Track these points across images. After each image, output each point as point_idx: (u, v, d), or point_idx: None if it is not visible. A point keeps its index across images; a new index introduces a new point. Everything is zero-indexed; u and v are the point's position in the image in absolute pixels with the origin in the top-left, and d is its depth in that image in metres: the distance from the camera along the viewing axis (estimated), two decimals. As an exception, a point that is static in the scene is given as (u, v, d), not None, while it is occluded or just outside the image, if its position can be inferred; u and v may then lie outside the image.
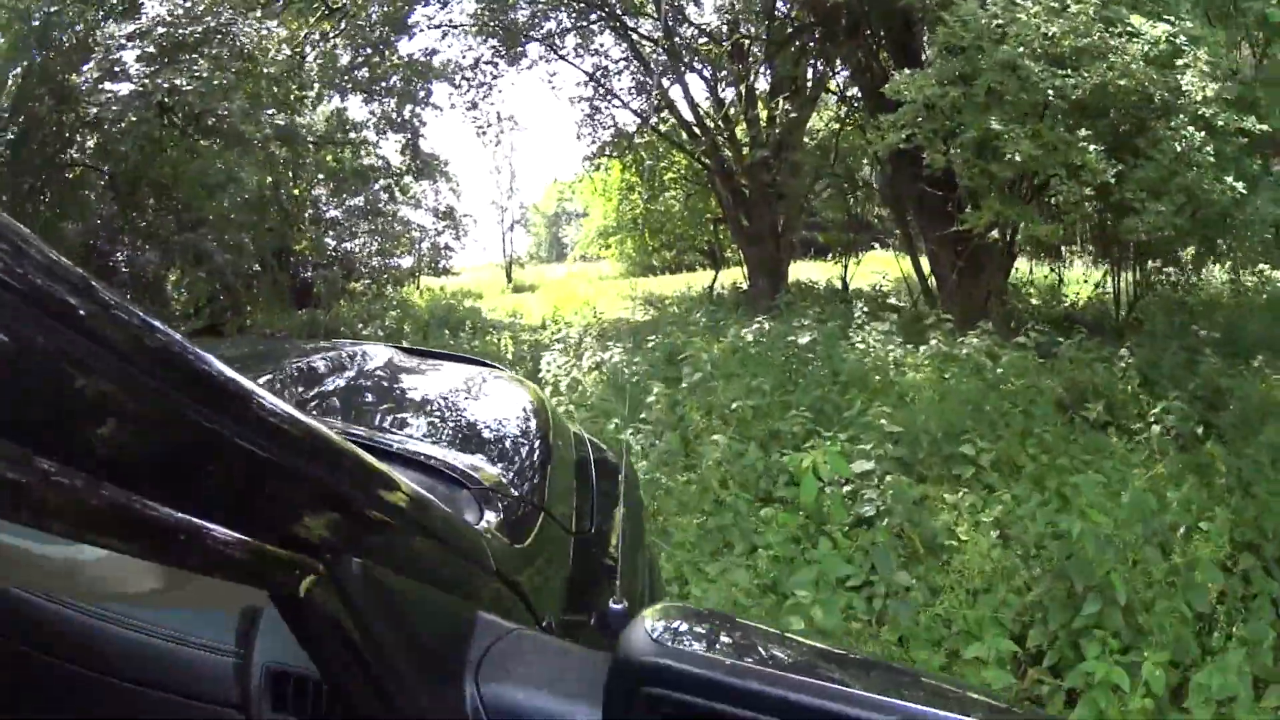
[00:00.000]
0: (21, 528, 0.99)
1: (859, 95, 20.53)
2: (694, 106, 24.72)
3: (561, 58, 25.92)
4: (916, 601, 6.64)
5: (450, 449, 2.91)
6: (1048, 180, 12.86)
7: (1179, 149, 12.43)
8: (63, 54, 18.12)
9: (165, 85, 17.91)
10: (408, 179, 29.37)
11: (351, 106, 26.61)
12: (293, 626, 1.21)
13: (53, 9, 17.64)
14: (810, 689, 1.23)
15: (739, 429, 9.86)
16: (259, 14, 20.82)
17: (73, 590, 1.76)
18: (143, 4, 19.04)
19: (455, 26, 24.95)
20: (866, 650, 5.96)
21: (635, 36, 25.42)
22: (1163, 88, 12.62)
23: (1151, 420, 9.95)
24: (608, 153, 27.54)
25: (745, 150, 23.83)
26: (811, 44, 21.71)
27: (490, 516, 2.35)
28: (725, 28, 24.23)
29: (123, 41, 18.35)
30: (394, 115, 25.80)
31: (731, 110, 24.59)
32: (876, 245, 26.20)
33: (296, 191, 28.05)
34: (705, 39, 24.88)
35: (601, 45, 26.36)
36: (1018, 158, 12.41)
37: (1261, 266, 17.67)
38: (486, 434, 3.51)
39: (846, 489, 7.89)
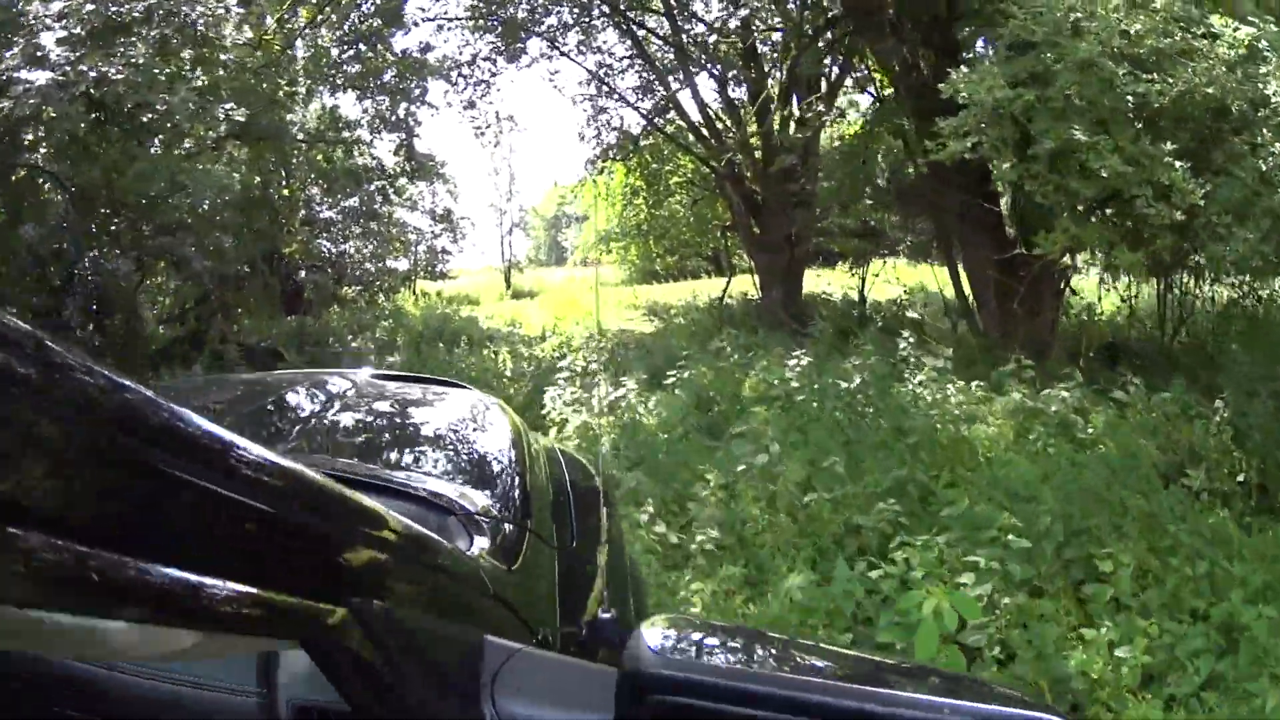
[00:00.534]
0: None
1: (891, 94, 18.63)
2: (703, 108, 23.39)
3: (564, 54, 24.63)
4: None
5: (434, 476, 3.02)
6: (1130, 200, 10.82)
7: (1263, 168, 10.62)
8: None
9: (92, 74, 15.30)
10: (402, 180, 27.80)
11: (344, 104, 25.32)
12: (323, 668, 1.24)
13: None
14: (813, 686, 1.34)
15: (808, 522, 8.02)
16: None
17: (97, 655, 1.68)
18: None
19: (451, 20, 23.75)
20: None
21: (641, 33, 24.23)
22: (1242, 97, 10.87)
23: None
24: (611, 155, 26.17)
25: (758, 154, 22.22)
26: (837, 38, 19.77)
27: (480, 541, 2.41)
28: (737, 23, 22.62)
29: (47, 22, 15.65)
30: (388, 114, 24.48)
31: (743, 112, 23.13)
32: (888, 254, 24.22)
33: (287, 192, 26.63)
34: (715, 36, 23.50)
35: (605, 42, 25.20)
36: (1104, 173, 10.47)
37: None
38: (465, 458, 3.59)
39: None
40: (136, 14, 16.14)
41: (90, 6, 15.66)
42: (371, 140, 26.20)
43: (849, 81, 22.86)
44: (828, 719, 1.24)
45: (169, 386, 6.50)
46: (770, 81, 22.44)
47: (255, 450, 0.98)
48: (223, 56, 18.98)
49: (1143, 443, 9.15)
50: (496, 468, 3.38)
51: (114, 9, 15.93)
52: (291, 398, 3.91)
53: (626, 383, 12.67)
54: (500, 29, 23.35)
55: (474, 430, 3.90)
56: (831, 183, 20.95)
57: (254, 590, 0.96)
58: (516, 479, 3.22)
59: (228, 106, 17.85)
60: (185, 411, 0.89)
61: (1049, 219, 11.98)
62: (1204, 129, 11.37)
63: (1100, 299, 17.04)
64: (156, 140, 17.06)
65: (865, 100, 23.33)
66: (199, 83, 17.46)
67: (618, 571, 3.59)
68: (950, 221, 16.53)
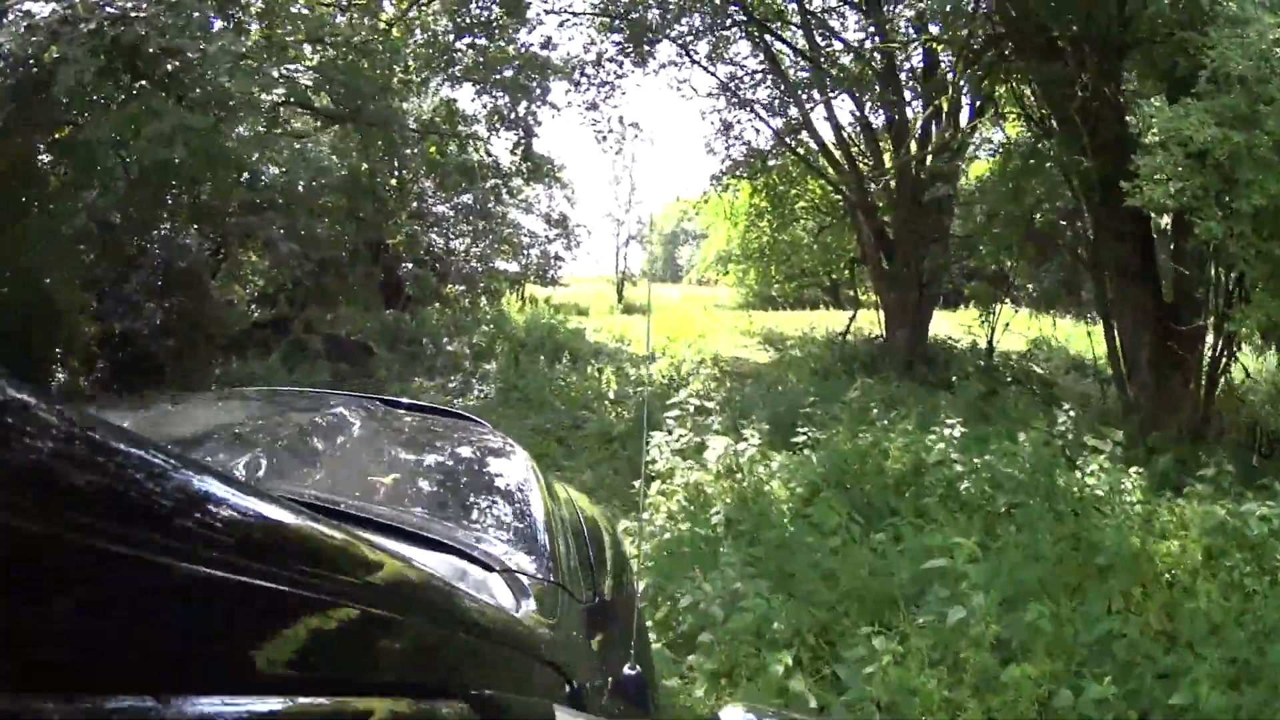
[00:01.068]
0: None
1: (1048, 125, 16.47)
2: (838, 130, 21.55)
3: (694, 61, 23.04)
4: None
5: (468, 527, 2.94)
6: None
7: None
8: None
9: (109, 9, 12.78)
10: (517, 180, 26.45)
11: (462, 99, 23.98)
12: None
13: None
14: None
15: (1001, 707, 5.50)
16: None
17: None
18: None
19: (576, 15, 22.32)
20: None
21: (775, 48, 22.59)
22: None
23: None
24: (738, 173, 24.38)
25: (894, 183, 20.37)
26: (995, 60, 17.64)
27: (519, 598, 2.34)
28: (874, 42, 20.80)
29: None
30: (506, 110, 22.96)
31: (880, 138, 21.58)
32: (1010, 301, 22.09)
33: (395, 182, 25.33)
34: (852, 55, 21.79)
35: (738, 53, 23.62)
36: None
37: None
38: (492, 504, 3.44)
39: None
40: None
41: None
42: (488, 137, 25.11)
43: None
44: None
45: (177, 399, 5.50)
46: (910, 108, 20.94)
47: (371, 554, 1.02)
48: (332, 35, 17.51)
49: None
50: (525, 519, 3.24)
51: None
52: (310, 428, 3.70)
53: (746, 434, 10.44)
54: (628, 29, 21.93)
55: (498, 476, 3.74)
56: (981, 219, 18.63)
57: (389, 700, 0.96)
58: (544, 531, 3.06)
59: (290, 68, 16.30)
60: (229, 490, 0.80)
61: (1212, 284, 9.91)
62: None
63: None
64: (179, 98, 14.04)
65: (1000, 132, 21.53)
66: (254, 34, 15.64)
67: (634, 628, 3.04)
68: (1107, 274, 14.38)
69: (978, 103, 19.06)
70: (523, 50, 21.89)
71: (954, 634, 5.89)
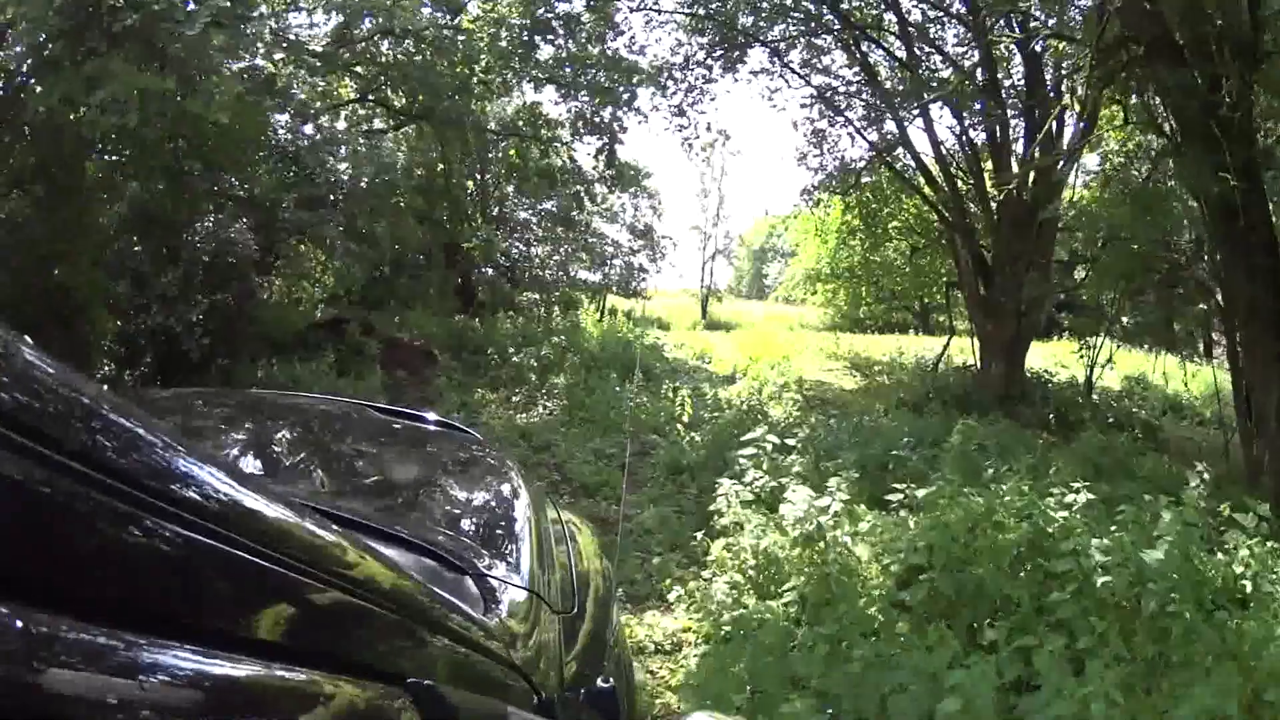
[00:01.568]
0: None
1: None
2: (937, 145, 19.99)
3: (787, 65, 21.64)
4: None
5: (445, 531, 2.93)
6: None
7: None
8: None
9: None
10: (600, 187, 25.38)
11: (547, 104, 23.31)
12: None
13: None
14: None
15: None
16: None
17: None
18: None
19: (664, 14, 21.07)
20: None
21: (872, 58, 21.12)
22: None
23: None
24: (830, 187, 23.06)
25: (995, 204, 18.96)
26: (1115, 69, 15.95)
27: (490, 602, 2.34)
28: (976, 54, 19.30)
29: None
30: (591, 115, 21.87)
31: (982, 156, 19.77)
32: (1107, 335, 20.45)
33: (472, 184, 24.40)
34: (953, 69, 20.28)
35: (832, 62, 22.13)
36: None
37: None
38: (473, 511, 3.42)
39: None
40: None
41: None
42: (571, 141, 23.93)
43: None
44: None
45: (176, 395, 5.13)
46: (1012, 126, 19.29)
47: (323, 534, 1.03)
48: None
49: None
50: (505, 527, 3.30)
51: None
52: (293, 432, 3.76)
53: (832, 482, 8.75)
54: (719, 33, 20.73)
55: (481, 485, 3.73)
56: (1094, 245, 16.95)
57: (317, 674, 0.95)
58: (523, 540, 3.07)
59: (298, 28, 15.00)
60: (226, 479, 0.88)
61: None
62: None
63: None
64: (185, 68, 12.42)
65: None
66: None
67: (614, 640, 3.40)
68: (1237, 311, 12.69)
69: (1084, 119, 17.39)
70: (609, 54, 20.76)
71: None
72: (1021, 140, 18.92)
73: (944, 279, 24.43)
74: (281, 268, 18.33)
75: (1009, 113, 19.18)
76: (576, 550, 3.62)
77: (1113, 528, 6.71)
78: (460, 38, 18.70)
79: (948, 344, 22.04)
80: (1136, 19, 12.41)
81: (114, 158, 14.14)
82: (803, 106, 22.31)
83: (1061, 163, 16.87)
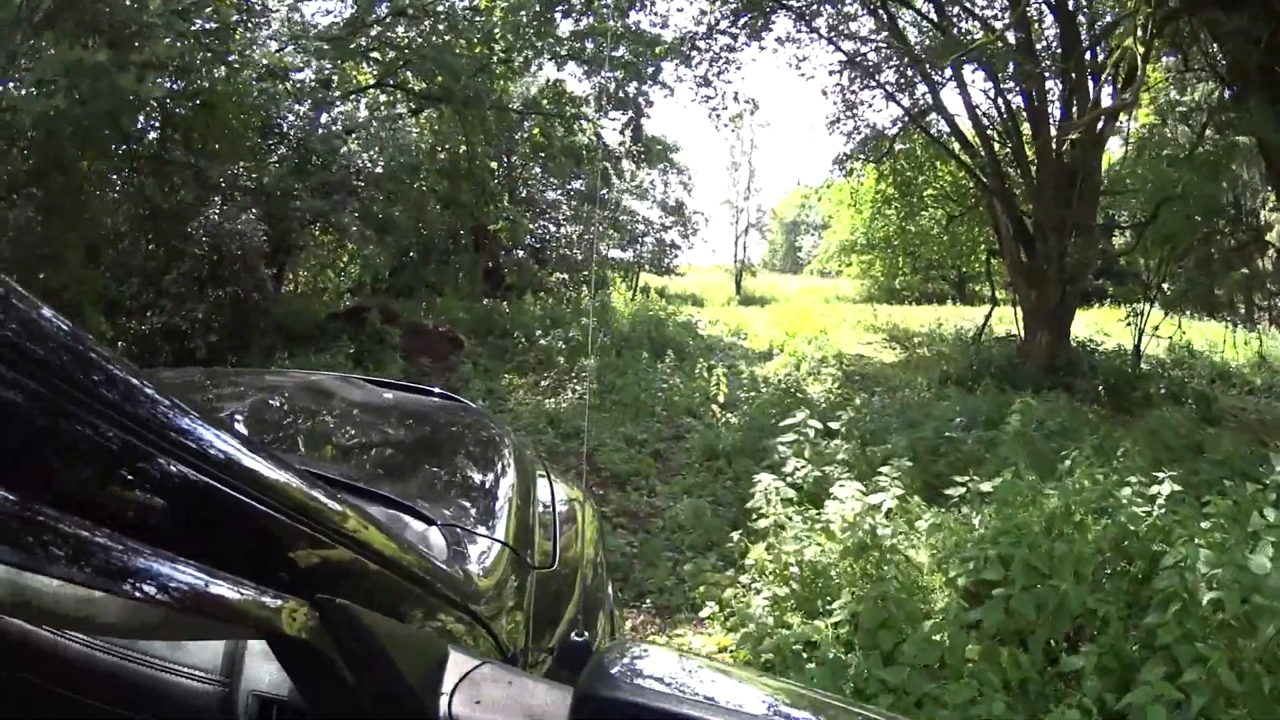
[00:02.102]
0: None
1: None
2: (972, 110, 19.17)
3: (814, 29, 20.73)
4: None
5: (415, 485, 2.95)
6: None
7: None
8: None
9: None
10: (628, 164, 24.87)
11: (570, 81, 22.97)
12: (282, 662, 1.25)
13: None
14: None
15: None
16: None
17: (61, 620, 1.54)
18: None
19: None
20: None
21: (902, 22, 20.38)
22: None
23: None
24: (862, 156, 22.45)
25: (1035, 168, 18.22)
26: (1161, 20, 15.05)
27: (456, 551, 2.34)
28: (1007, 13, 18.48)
29: None
30: (615, 90, 21.07)
31: (1020, 119, 19.03)
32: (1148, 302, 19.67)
33: (495, 165, 23.86)
34: (984, 29, 19.29)
35: (860, 26, 21.39)
36: None
37: None
38: (450, 469, 3.38)
39: None
40: None
41: None
42: (596, 118, 23.47)
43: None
44: None
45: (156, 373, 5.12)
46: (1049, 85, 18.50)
47: (231, 440, 1.02)
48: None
49: None
50: (480, 482, 3.29)
51: None
52: (276, 398, 3.77)
53: (884, 473, 7.94)
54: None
55: (461, 443, 3.73)
56: (1156, 207, 16.07)
57: (221, 577, 0.97)
58: (499, 495, 3.11)
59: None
60: (166, 397, 0.93)
61: None
62: None
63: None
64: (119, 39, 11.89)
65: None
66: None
67: (595, 599, 3.28)
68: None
69: (1126, 77, 16.52)
70: (631, 26, 20.08)
71: None
72: (1058, 103, 18.23)
73: (982, 247, 23.69)
74: (300, 257, 17.80)
75: (1045, 75, 18.29)
76: (568, 514, 3.52)
77: (1204, 524, 5.73)
78: (478, 18, 18.40)
79: (989, 314, 21.15)
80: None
81: (28, 150, 13.27)
82: (831, 73, 21.43)
83: (1118, 118, 16.13)
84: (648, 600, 7.46)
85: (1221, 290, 20.90)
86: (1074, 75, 17.12)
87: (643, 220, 32.33)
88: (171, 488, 0.91)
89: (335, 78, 17.98)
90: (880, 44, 21.03)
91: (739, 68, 26.70)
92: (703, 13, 20.38)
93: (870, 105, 21.97)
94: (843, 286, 38.44)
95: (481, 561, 2.40)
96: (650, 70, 20.54)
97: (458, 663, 1.41)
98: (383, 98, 20.54)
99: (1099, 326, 20.31)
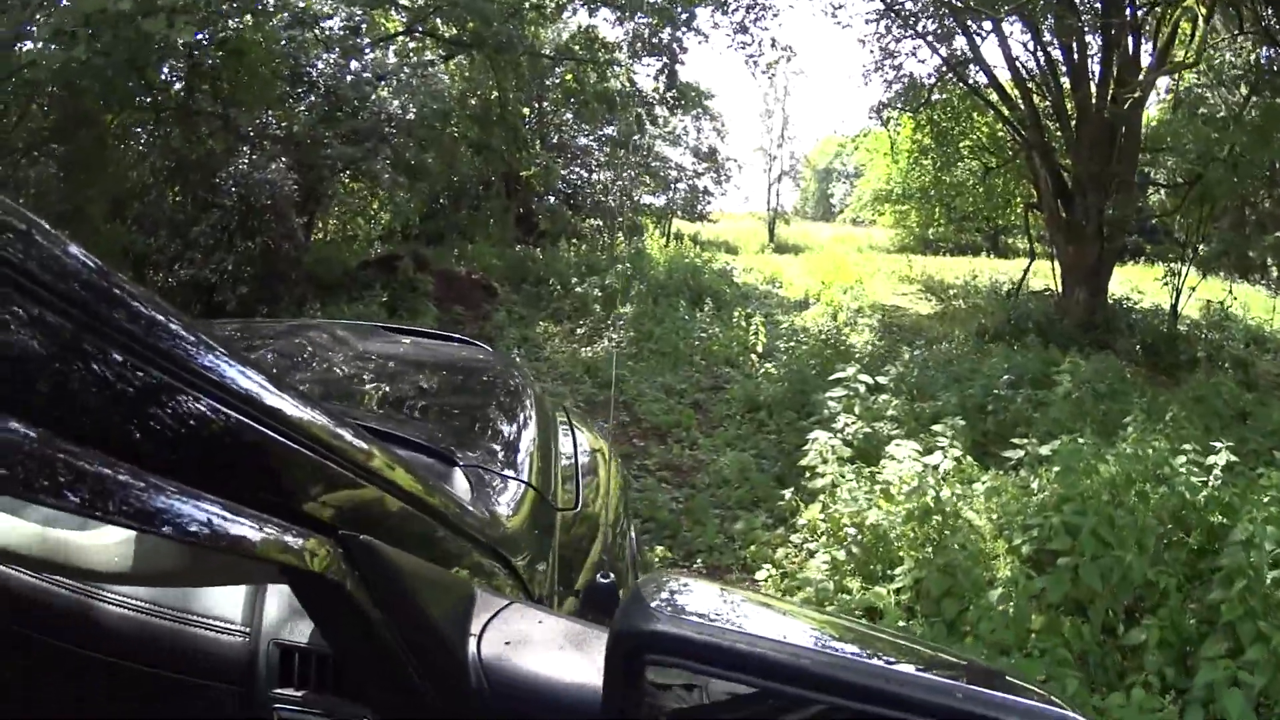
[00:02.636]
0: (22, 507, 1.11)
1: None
2: (1011, 61, 19.05)
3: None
4: None
5: (437, 428, 2.98)
6: None
7: None
8: None
9: None
10: (661, 110, 24.73)
11: (603, 27, 22.61)
12: (305, 603, 1.29)
13: None
14: (806, 652, 1.20)
15: None
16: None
17: (88, 573, 1.61)
18: None
19: None
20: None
21: None
22: None
23: None
24: (899, 105, 22.20)
25: (1074, 122, 18.05)
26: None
27: (480, 491, 2.37)
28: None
29: None
30: (650, 36, 21.45)
31: (1063, 73, 18.67)
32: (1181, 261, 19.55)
33: (527, 111, 23.76)
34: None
35: None
36: None
37: None
38: (472, 413, 3.42)
39: None
40: None
41: None
42: (630, 64, 23.56)
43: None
44: (828, 690, 1.11)
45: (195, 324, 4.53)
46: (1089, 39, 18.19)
47: (256, 376, 1.02)
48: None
49: None
50: (504, 424, 3.33)
51: None
52: (300, 345, 3.63)
53: (938, 431, 7.91)
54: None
55: (484, 387, 3.78)
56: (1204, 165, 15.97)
57: (243, 514, 0.97)
58: (523, 437, 3.15)
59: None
60: (191, 333, 0.95)
61: None
62: None
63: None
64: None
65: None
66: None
67: (619, 540, 3.27)
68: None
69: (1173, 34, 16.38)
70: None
71: None
72: (1098, 58, 17.97)
73: (1018, 200, 23.58)
74: (330, 205, 17.76)
75: (1085, 29, 18.09)
76: (591, 460, 3.55)
77: (1264, 498, 5.74)
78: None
79: (1028, 269, 21.04)
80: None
81: (48, 106, 13.43)
82: (869, 21, 21.31)
83: (1173, 73, 16.03)
84: (698, 559, 7.46)
85: (1255, 253, 20.77)
86: (1114, 31, 16.87)
87: (675, 166, 32.27)
88: (194, 423, 0.91)
89: (364, 25, 17.92)
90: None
91: (776, 15, 26.52)
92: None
93: (910, 55, 21.79)
94: (876, 235, 38.44)
95: (506, 502, 2.44)
96: (684, 16, 20.65)
97: (485, 603, 1.45)
98: (412, 45, 20.49)
99: (1134, 284, 20.09)
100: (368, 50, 18.14)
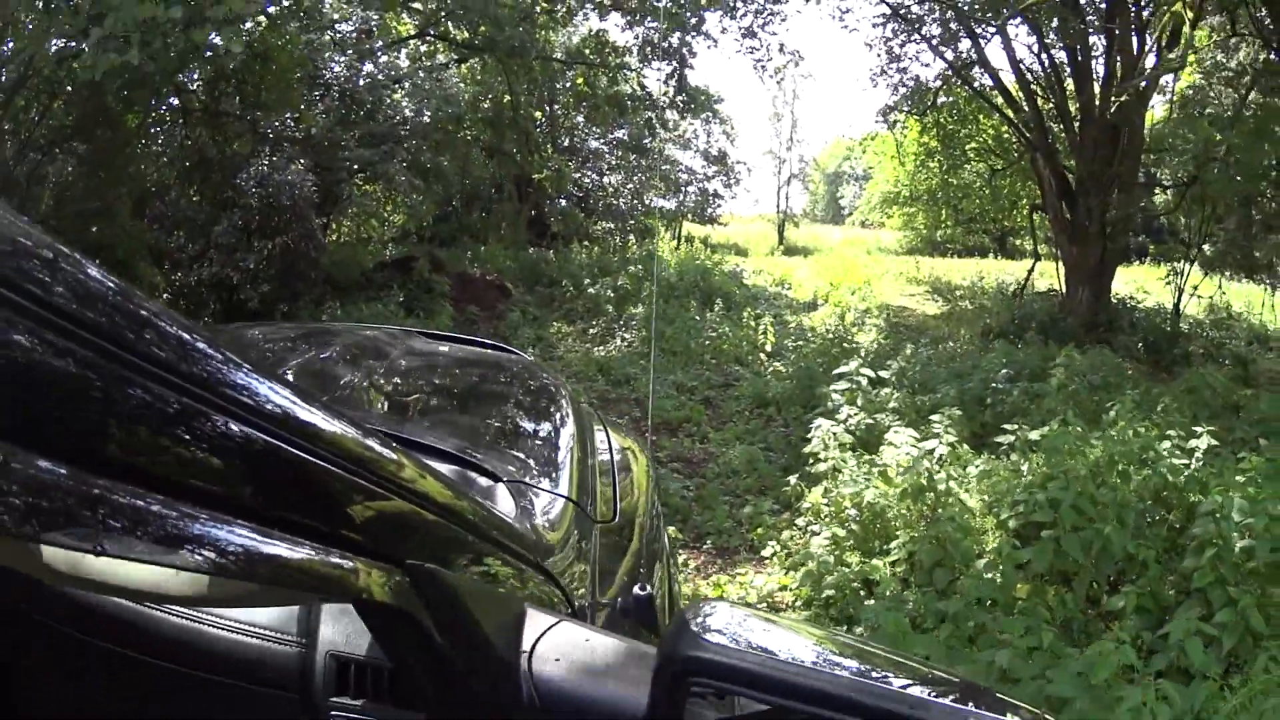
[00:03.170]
0: None
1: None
2: (1015, 64, 19.22)
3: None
4: None
5: (482, 442, 3.00)
6: None
7: None
8: None
9: None
10: (671, 114, 25.01)
11: (613, 31, 22.85)
12: (370, 626, 1.36)
13: None
14: (848, 682, 1.26)
15: None
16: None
17: (151, 597, 1.72)
18: None
19: None
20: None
21: None
22: None
23: None
24: (905, 108, 22.42)
25: (1077, 124, 18.27)
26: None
27: (523, 508, 2.42)
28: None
29: None
30: (659, 40, 21.57)
31: (1063, 75, 18.92)
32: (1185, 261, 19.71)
33: (539, 115, 24.02)
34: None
35: None
36: None
37: None
38: (511, 424, 3.49)
39: None
40: None
41: None
42: (640, 68, 23.76)
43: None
44: (859, 713, 1.19)
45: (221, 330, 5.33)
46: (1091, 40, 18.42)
47: (320, 410, 1.04)
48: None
49: None
50: (544, 438, 3.40)
51: None
52: (343, 355, 3.83)
53: (935, 419, 8.31)
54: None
55: (523, 399, 3.83)
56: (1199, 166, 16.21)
57: (314, 546, 0.99)
58: (562, 451, 3.20)
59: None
60: (249, 366, 0.93)
61: None
62: None
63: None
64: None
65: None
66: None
67: (654, 551, 3.35)
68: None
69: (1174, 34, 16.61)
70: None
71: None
72: (1101, 59, 18.12)
73: (1024, 202, 23.74)
74: (346, 207, 18.02)
75: (1089, 31, 18.35)
76: (624, 465, 3.64)
77: (1239, 478, 6.11)
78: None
79: (1031, 269, 21.30)
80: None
81: (68, 105, 13.54)
82: (875, 25, 21.45)
83: (1167, 75, 16.24)
84: (708, 541, 7.87)
85: (1260, 253, 20.92)
86: (1118, 32, 17.07)
87: (686, 170, 32.46)
88: (255, 456, 0.90)
89: (376, 29, 18.20)
90: (923, -1, 21.10)
91: (784, 19, 26.71)
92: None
93: (915, 59, 21.91)
94: (884, 238, 38.23)
95: (548, 517, 2.49)
96: (693, 21, 20.83)
97: (535, 620, 1.51)
98: (424, 48, 20.72)
99: (1139, 284, 20.18)
100: (380, 54, 18.44)
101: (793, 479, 8.42)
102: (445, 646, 1.29)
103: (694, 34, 21.32)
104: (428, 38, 20.31)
